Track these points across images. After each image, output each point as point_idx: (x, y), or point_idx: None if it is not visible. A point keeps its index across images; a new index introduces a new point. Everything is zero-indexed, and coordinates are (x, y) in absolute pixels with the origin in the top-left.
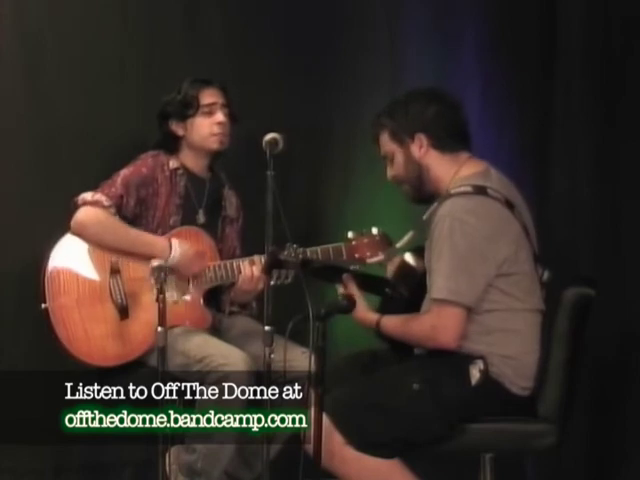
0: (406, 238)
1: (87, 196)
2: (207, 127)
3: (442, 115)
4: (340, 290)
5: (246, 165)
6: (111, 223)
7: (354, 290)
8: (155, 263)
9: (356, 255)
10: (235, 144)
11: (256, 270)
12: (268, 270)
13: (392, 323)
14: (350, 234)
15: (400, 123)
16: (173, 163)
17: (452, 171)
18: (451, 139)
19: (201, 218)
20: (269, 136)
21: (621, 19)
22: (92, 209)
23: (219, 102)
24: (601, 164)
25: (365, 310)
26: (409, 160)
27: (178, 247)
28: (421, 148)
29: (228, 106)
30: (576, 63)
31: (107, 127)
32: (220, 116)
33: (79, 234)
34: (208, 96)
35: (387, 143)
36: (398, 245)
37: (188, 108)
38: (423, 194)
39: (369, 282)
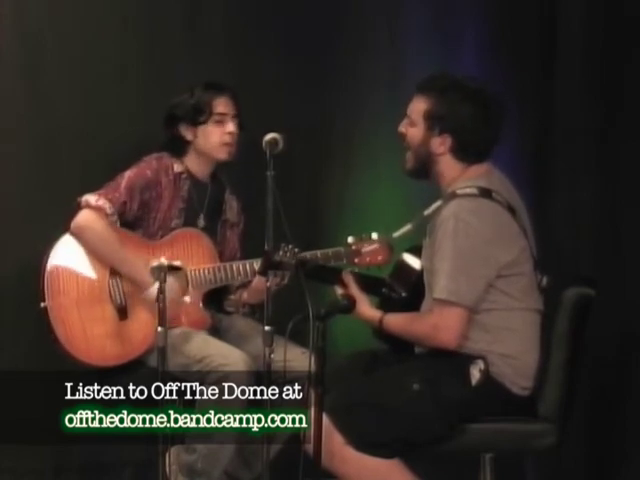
0: (404, 229)
1: (91, 200)
2: (218, 136)
3: (480, 129)
4: (339, 291)
5: (246, 165)
6: (107, 236)
7: (354, 288)
8: (155, 263)
9: (356, 260)
10: (238, 144)
11: (256, 279)
12: (263, 272)
13: (395, 321)
14: (350, 239)
15: (441, 113)
16: (177, 167)
17: (458, 171)
18: (471, 153)
19: (201, 222)
20: (269, 136)
21: (621, 19)
22: (93, 215)
23: (231, 112)
24: (601, 164)
25: (367, 306)
26: (424, 144)
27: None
28: (440, 146)
29: (238, 116)
30: (576, 63)
31: (107, 127)
32: (231, 126)
33: (76, 236)
34: (221, 105)
35: (418, 112)
36: (395, 234)
37: (200, 114)
38: (417, 172)
39: (366, 282)
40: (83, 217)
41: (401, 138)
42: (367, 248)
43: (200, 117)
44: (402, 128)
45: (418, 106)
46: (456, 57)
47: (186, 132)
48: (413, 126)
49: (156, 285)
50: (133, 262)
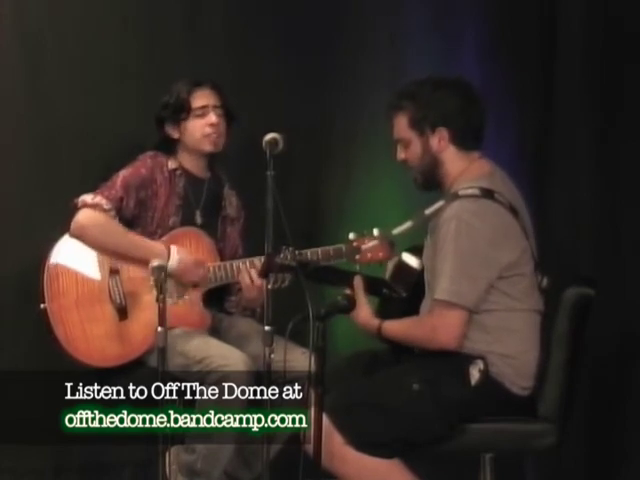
0: (404, 226)
1: (87, 198)
2: (200, 129)
3: (466, 110)
4: (347, 291)
5: (246, 165)
6: (110, 227)
7: (361, 296)
8: (155, 263)
9: (356, 257)
10: (235, 144)
11: (256, 279)
12: (265, 274)
13: (393, 327)
14: (351, 235)
15: (424, 113)
16: (172, 164)
17: (462, 168)
18: (470, 136)
19: (199, 219)
20: (269, 136)
21: (621, 19)
22: (92, 212)
23: (211, 104)
24: (601, 164)
25: (369, 316)
26: (426, 151)
27: (176, 254)
28: (441, 142)
29: (222, 106)
30: (576, 63)
31: (107, 127)
32: (212, 117)
33: (78, 236)
34: (200, 98)
35: (404, 129)
36: (395, 231)
37: (180, 112)
38: (431, 183)
39: (367, 283)
40: (83, 216)
41: (404, 164)
42: (368, 245)
43: (181, 114)
44: (400, 155)
45: (400, 124)
46: (456, 57)
47: (172, 131)
48: (408, 145)
49: (176, 254)
50: (142, 242)
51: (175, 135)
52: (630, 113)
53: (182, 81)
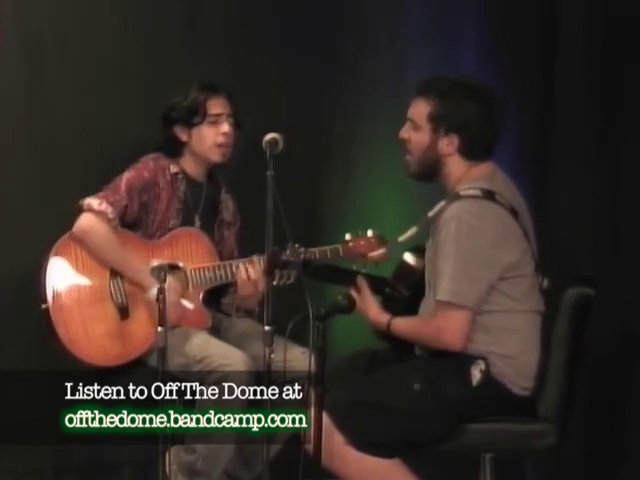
0: (409, 233)
1: (94, 203)
2: (212, 137)
3: (484, 126)
4: (353, 293)
5: (246, 165)
6: (109, 240)
7: (367, 294)
8: (155, 263)
9: (353, 257)
10: (235, 144)
11: (252, 273)
12: (270, 271)
13: (402, 324)
14: (347, 236)
15: (446, 114)
16: (173, 167)
17: (464, 171)
18: (479, 151)
19: (197, 223)
20: (269, 136)
21: (621, 19)
22: (95, 219)
23: (225, 112)
24: (601, 164)
25: (378, 312)
26: (431, 148)
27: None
28: (448, 146)
29: (233, 115)
30: (576, 63)
31: (107, 127)
32: (226, 127)
33: (80, 240)
34: (215, 106)
35: (421, 115)
36: (400, 239)
37: (195, 116)
38: (422, 175)
39: (369, 282)
40: (86, 221)
41: (403, 143)
42: (364, 244)
43: (195, 118)
44: (404, 134)
45: (420, 109)
46: (456, 57)
47: (181, 133)
48: (417, 130)
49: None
50: (136, 265)
51: (184, 138)
52: (630, 113)
53: (198, 84)
